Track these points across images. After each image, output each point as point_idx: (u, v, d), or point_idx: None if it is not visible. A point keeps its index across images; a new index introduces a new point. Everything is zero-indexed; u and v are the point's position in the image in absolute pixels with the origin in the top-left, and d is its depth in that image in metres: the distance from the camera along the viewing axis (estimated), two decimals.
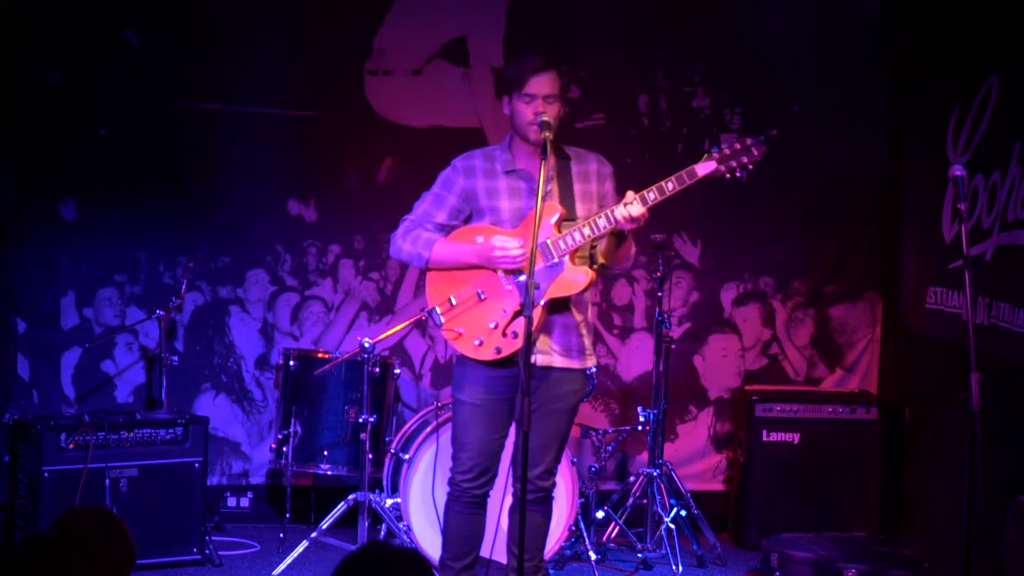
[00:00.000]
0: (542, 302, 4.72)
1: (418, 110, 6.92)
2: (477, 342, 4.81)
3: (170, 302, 6.45)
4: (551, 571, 6.03)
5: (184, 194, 6.81)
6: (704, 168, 4.60)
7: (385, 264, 6.96)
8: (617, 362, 7.10)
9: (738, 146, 4.60)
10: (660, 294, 6.36)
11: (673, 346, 6.47)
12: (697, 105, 7.03)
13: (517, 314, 4.73)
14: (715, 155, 4.61)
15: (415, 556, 2.92)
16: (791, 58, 6.96)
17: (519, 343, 4.70)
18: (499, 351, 4.78)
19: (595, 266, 4.87)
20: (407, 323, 6.11)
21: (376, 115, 6.92)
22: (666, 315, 6.37)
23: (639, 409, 6.44)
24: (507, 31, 6.91)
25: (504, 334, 4.77)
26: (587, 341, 4.92)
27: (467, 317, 4.84)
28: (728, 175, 4.61)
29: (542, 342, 4.78)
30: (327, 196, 6.96)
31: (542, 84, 4.71)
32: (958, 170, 4.70)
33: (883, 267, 7.07)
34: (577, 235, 4.69)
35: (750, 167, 4.60)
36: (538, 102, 4.71)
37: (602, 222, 4.67)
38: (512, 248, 4.72)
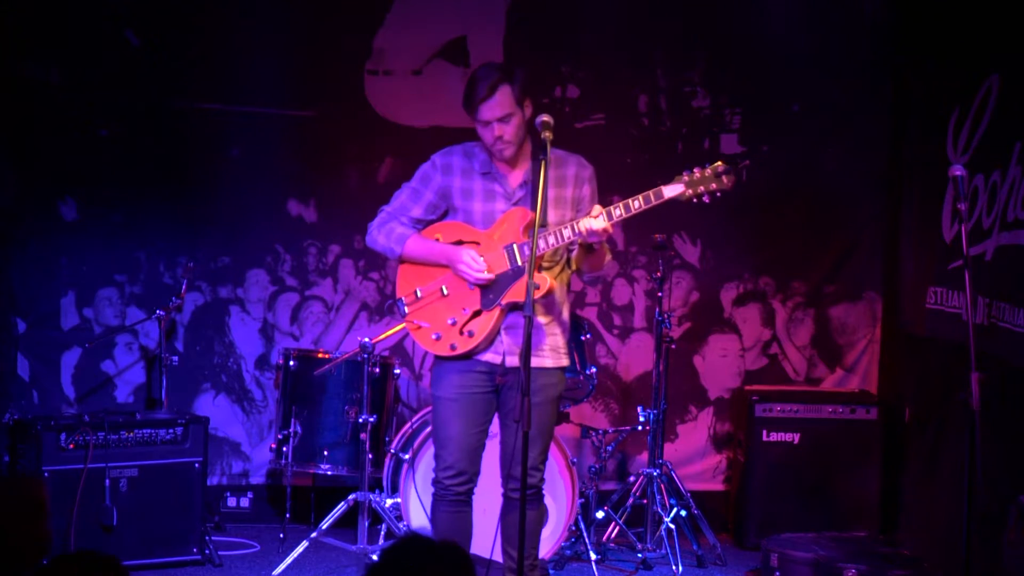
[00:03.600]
0: (501, 303, 4.74)
1: (418, 110, 6.92)
2: (435, 336, 4.87)
3: (170, 302, 6.45)
4: (551, 571, 6.03)
5: (184, 194, 6.81)
6: (671, 190, 4.64)
7: (385, 264, 6.96)
8: (617, 362, 7.10)
9: (708, 172, 4.62)
10: (660, 294, 6.36)
11: (673, 346, 6.47)
12: (697, 105, 7.03)
13: (476, 314, 4.81)
14: (684, 178, 4.64)
15: (455, 549, 2.95)
16: (791, 58, 6.96)
17: (474, 342, 4.80)
18: (453, 348, 4.83)
19: (571, 271, 4.93)
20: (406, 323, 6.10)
21: (376, 115, 6.92)
22: (666, 315, 6.37)
23: (639, 409, 6.43)
24: (507, 31, 6.91)
25: (461, 332, 4.83)
26: (558, 340, 4.91)
27: (429, 311, 4.90)
28: (695, 199, 4.65)
29: (506, 343, 4.80)
30: (327, 196, 6.96)
31: (492, 109, 4.74)
32: (958, 170, 4.70)
33: (883, 267, 7.07)
34: (542, 243, 4.71)
35: (718, 194, 4.64)
36: (493, 126, 4.74)
37: (567, 233, 4.70)
38: (476, 270, 4.77)
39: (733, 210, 6.81)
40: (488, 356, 4.84)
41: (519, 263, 4.73)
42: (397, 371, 6.37)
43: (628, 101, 7.02)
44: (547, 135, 4.64)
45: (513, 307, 4.76)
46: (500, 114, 4.73)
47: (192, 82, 6.77)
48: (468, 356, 4.84)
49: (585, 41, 6.93)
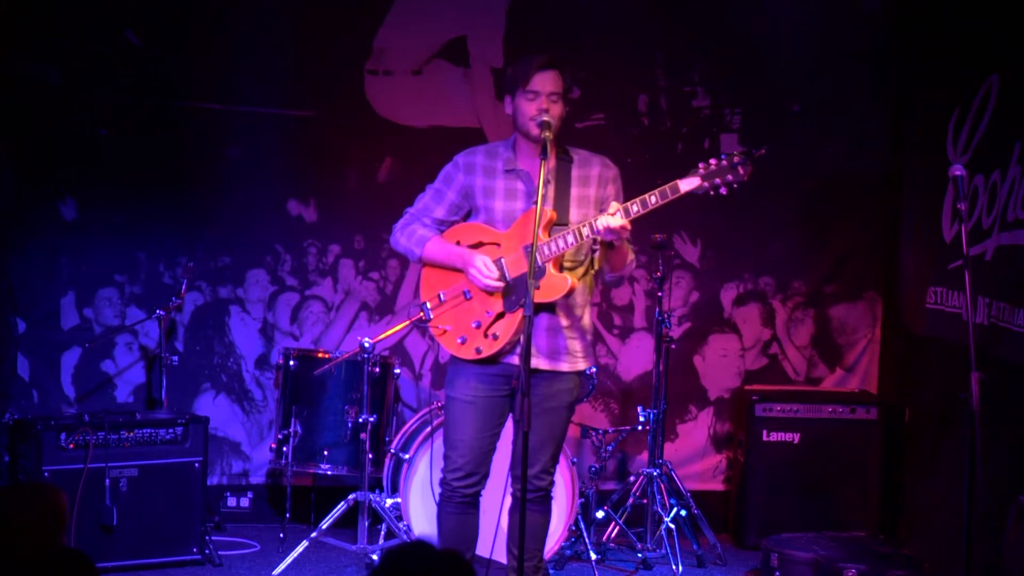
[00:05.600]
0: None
1: (418, 110, 6.92)
2: (460, 340, 4.85)
3: (170, 302, 6.45)
4: (551, 571, 6.03)
5: (184, 194, 6.81)
6: (687, 184, 4.59)
7: (385, 264, 6.96)
8: (617, 362, 7.10)
9: (724, 163, 4.57)
10: (660, 294, 6.36)
11: (673, 346, 6.47)
12: (697, 105, 7.03)
13: (499, 316, 4.79)
14: (700, 171, 4.59)
15: (456, 558, 2.94)
16: (791, 58, 6.97)
17: (499, 345, 4.78)
18: (479, 351, 4.81)
19: (593, 271, 4.90)
20: (407, 323, 6.07)
21: (376, 115, 6.92)
22: (666, 315, 6.37)
23: (639, 409, 6.43)
24: (507, 31, 6.91)
25: (485, 335, 4.81)
26: (577, 344, 4.89)
27: (453, 315, 4.88)
28: (712, 192, 4.59)
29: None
30: (327, 196, 6.96)
31: (546, 81, 4.72)
32: (958, 170, 4.70)
33: (883, 267, 7.07)
34: (561, 242, 4.69)
35: (735, 185, 4.58)
36: (541, 99, 4.71)
37: (585, 231, 4.67)
38: (487, 277, 4.75)
39: (733, 210, 6.81)
40: (512, 359, 4.80)
41: (539, 263, 4.68)
42: (397, 371, 6.37)
43: (628, 101, 7.02)
44: (547, 135, 4.64)
45: (537, 308, 4.70)
46: (552, 89, 4.72)
47: (192, 82, 6.77)
48: (494, 360, 4.81)
49: (585, 41, 6.93)
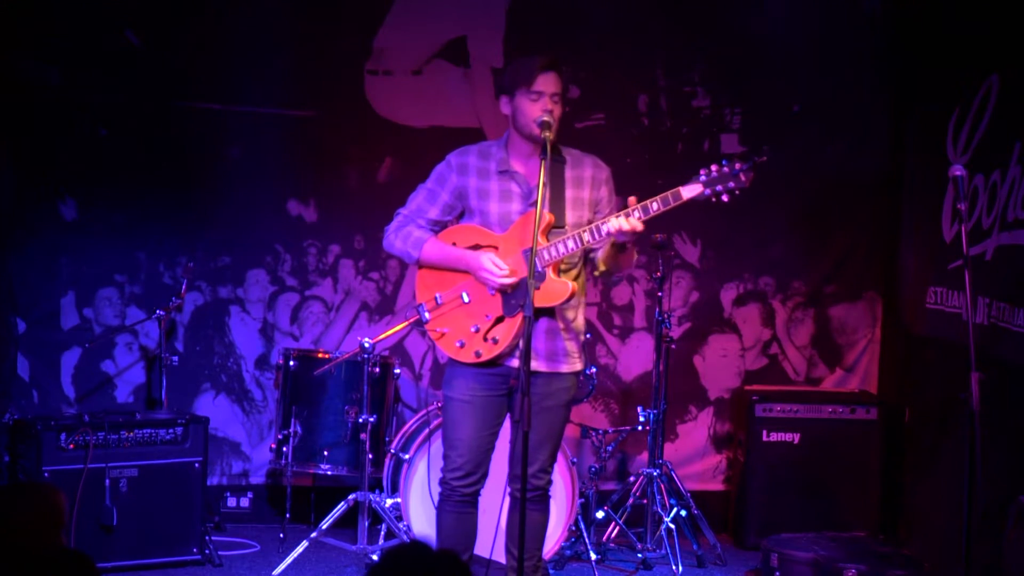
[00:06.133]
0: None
1: (418, 110, 6.92)
2: (459, 344, 4.84)
3: (170, 302, 6.45)
4: (551, 571, 6.03)
5: (184, 194, 6.81)
6: (689, 191, 4.59)
7: (385, 264, 6.96)
8: (617, 362, 7.10)
9: (726, 170, 4.57)
10: (660, 294, 6.36)
11: (673, 346, 6.47)
12: (697, 105, 7.03)
13: (498, 320, 4.79)
14: (702, 178, 4.58)
15: (453, 558, 2.95)
16: (791, 58, 6.96)
17: (499, 349, 4.77)
18: (478, 355, 4.81)
19: (596, 272, 4.91)
20: (407, 323, 6.10)
21: (376, 115, 6.92)
22: (666, 315, 6.37)
23: (639, 409, 6.43)
24: (507, 31, 6.91)
25: (485, 339, 4.80)
26: (573, 346, 4.89)
27: (451, 317, 4.87)
28: (714, 199, 4.60)
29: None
30: (327, 196, 6.96)
31: (549, 82, 4.73)
32: (958, 170, 4.70)
33: (883, 267, 7.07)
34: (561, 247, 4.69)
35: (736, 192, 4.59)
36: (545, 99, 4.72)
37: (587, 236, 4.68)
38: (499, 276, 4.74)
39: (733, 210, 6.73)
40: (512, 361, 4.80)
41: (539, 268, 4.67)
42: (397, 371, 6.37)
43: (628, 101, 7.02)
44: (547, 135, 4.64)
45: (536, 312, 4.69)
46: (555, 89, 4.72)
47: (192, 82, 6.77)
48: (494, 363, 4.81)
49: (585, 41, 6.93)
